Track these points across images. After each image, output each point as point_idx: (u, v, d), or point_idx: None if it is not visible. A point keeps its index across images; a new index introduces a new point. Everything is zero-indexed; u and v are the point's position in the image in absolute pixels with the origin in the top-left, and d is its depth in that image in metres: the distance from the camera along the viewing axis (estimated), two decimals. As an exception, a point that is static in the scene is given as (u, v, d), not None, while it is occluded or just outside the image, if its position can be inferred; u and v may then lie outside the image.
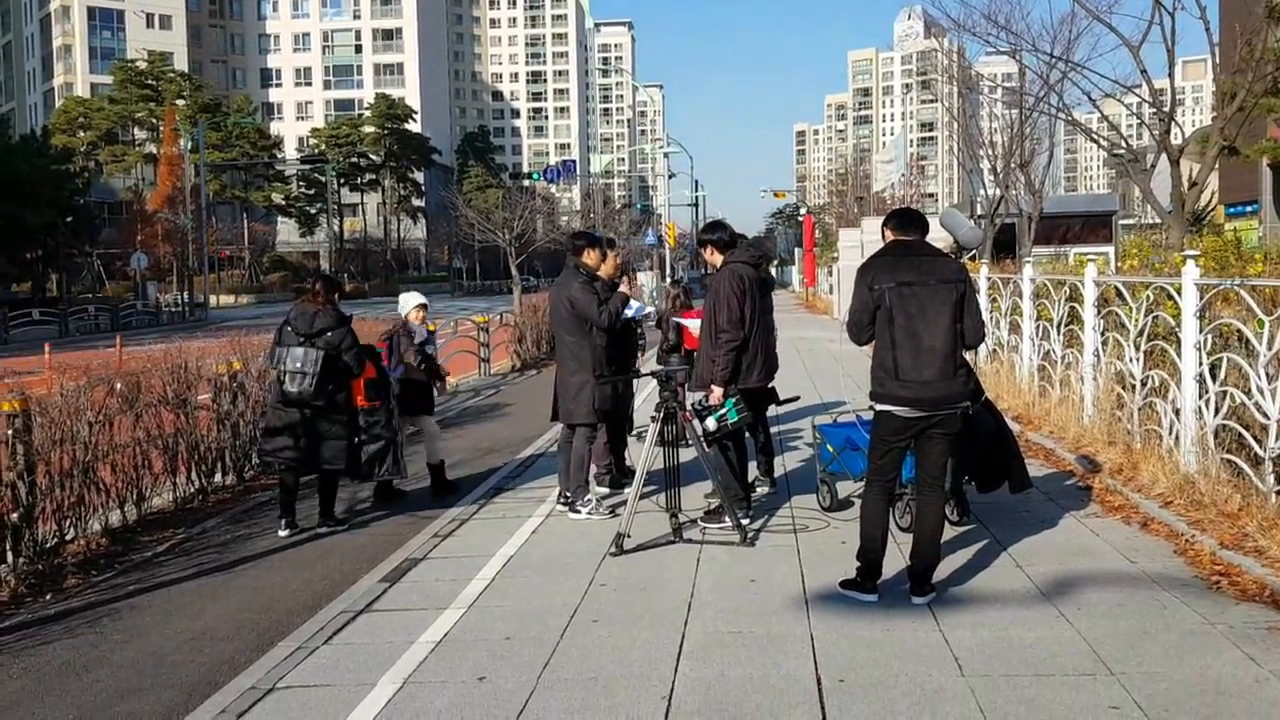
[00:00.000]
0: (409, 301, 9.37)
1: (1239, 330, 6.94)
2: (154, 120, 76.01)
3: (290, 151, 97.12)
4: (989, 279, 13.76)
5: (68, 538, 7.36)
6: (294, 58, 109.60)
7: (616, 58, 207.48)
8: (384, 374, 8.31)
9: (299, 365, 7.50)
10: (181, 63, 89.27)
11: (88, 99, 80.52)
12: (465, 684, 4.72)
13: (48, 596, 6.56)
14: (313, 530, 7.88)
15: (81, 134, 75.87)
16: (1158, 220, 22.30)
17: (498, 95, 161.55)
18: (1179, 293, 7.50)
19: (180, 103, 76.18)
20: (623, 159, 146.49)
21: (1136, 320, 8.38)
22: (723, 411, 6.91)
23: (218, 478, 9.50)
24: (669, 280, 16.25)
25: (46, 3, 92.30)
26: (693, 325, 8.92)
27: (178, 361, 9.30)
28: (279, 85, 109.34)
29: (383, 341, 9.01)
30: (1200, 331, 7.24)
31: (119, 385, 8.49)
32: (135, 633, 5.90)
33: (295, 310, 7.79)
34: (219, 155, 75.79)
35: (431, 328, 9.98)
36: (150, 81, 78.44)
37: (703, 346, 7.35)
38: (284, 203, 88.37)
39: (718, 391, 6.94)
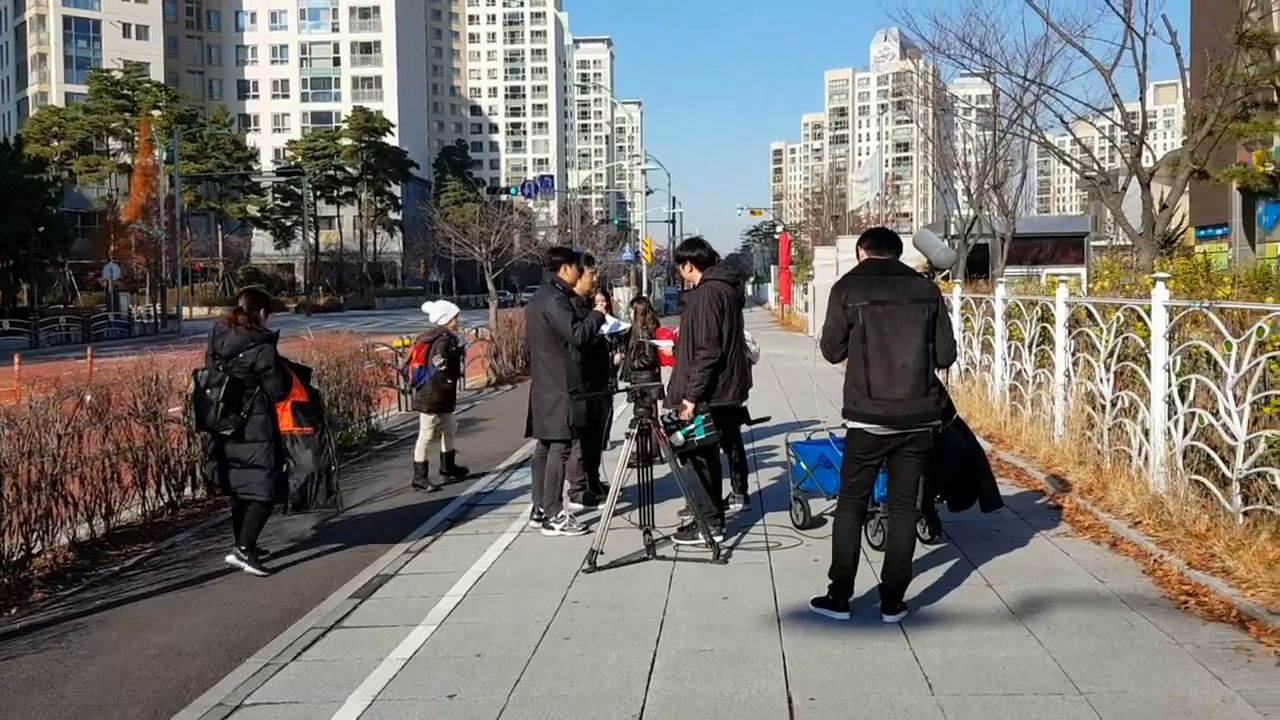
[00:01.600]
0: (448, 311, 10.46)
1: (1207, 352, 7.02)
2: (129, 130, 75.52)
3: (266, 163, 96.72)
4: (962, 299, 13.86)
5: (34, 551, 7.26)
6: (271, 69, 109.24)
7: (595, 74, 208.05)
8: (316, 397, 7.60)
9: (206, 389, 7.03)
10: (158, 73, 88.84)
11: (62, 108, 79.96)
12: (435, 702, 4.69)
13: (13, 611, 6.47)
14: (267, 553, 7.64)
15: (55, 143, 75.29)
16: (1129, 242, 22.56)
17: (476, 110, 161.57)
18: (1149, 314, 7.59)
19: (156, 113, 75.79)
20: (600, 175, 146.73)
21: (1107, 341, 8.47)
22: (691, 428, 6.93)
23: (187, 491, 9.41)
24: (633, 297, 16.30)
25: (21, 11, 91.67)
26: (664, 345, 8.93)
27: (148, 374, 9.22)
28: (256, 97, 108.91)
29: (425, 344, 10.19)
30: (1169, 353, 7.32)
31: (88, 397, 8.42)
32: (102, 648, 5.83)
33: (213, 329, 7.41)
34: (194, 166, 75.40)
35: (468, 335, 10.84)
36: (126, 91, 77.97)
37: (680, 362, 7.37)
38: (259, 215, 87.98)
39: (689, 407, 6.95)
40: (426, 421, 10.27)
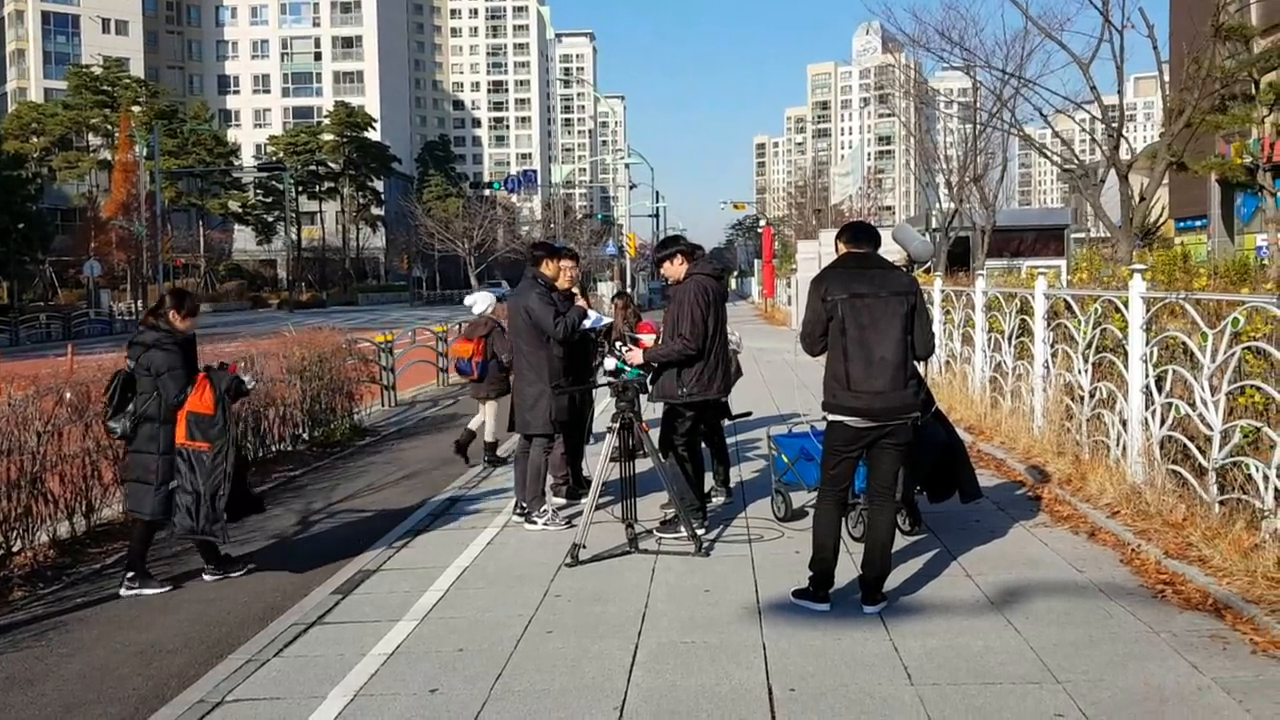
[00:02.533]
0: (491, 300, 10.97)
1: (1184, 343, 7.07)
2: (109, 126, 74.93)
3: (248, 159, 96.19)
4: (943, 291, 13.92)
5: (14, 550, 7.23)
6: (252, 64, 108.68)
7: (578, 68, 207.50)
8: (223, 413, 6.64)
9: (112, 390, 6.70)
10: (138, 68, 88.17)
11: (41, 104, 79.29)
12: (416, 696, 4.70)
13: (-8, 610, 6.45)
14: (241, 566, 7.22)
15: (35, 139, 74.64)
16: (1109, 234, 22.72)
17: (459, 104, 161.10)
18: (1126, 306, 7.64)
19: (136, 109, 75.19)
20: (584, 169, 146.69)
21: (1085, 333, 8.52)
22: (625, 369, 6.98)
23: (169, 488, 9.36)
24: (613, 294, 16.45)
25: (0, 7, 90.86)
26: (647, 340, 8.93)
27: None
28: (237, 92, 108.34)
29: (481, 339, 10.46)
30: (1146, 344, 7.38)
31: (68, 395, 8.37)
32: (82, 646, 5.82)
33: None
34: (175, 162, 74.91)
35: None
36: (105, 87, 77.33)
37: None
38: (241, 210, 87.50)
39: (637, 356, 7.00)
40: (491, 408, 10.81)
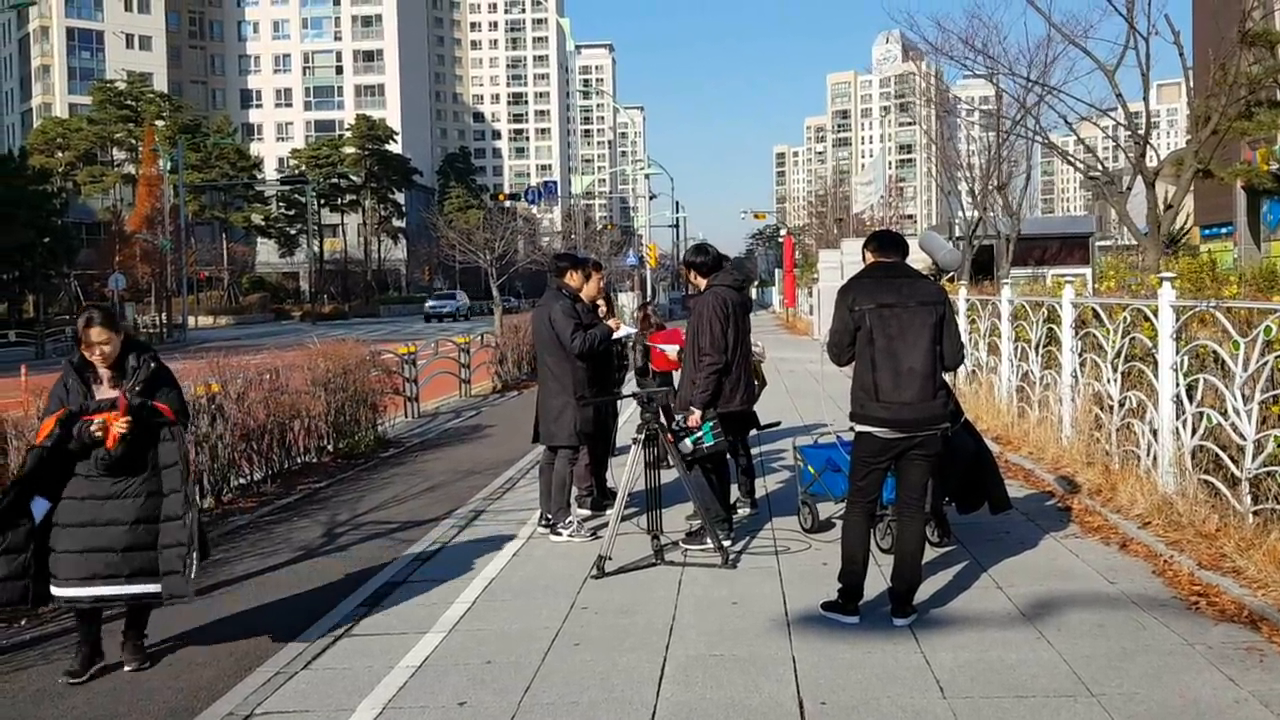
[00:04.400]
0: None
1: (1215, 351, 7.00)
2: (133, 141, 75.63)
3: (270, 172, 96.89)
4: (968, 300, 13.84)
5: (43, 562, 7.25)
6: (274, 79, 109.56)
7: (597, 79, 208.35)
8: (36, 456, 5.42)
9: None
10: (161, 83, 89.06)
11: (66, 119, 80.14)
12: (445, 709, 4.69)
13: (22, 622, 6.46)
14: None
15: (60, 154, 75.42)
16: (1134, 242, 22.54)
17: (479, 116, 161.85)
18: (1155, 314, 7.57)
19: (159, 123, 75.86)
20: (604, 180, 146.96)
21: (1114, 342, 8.45)
22: (699, 434, 6.91)
23: (196, 501, 9.39)
24: (636, 305, 16.57)
25: (25, 23, 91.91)
26: (670, 349, 8.93)
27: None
28: (259, 106, 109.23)
29: None
30: (1177, 353, 7.30)
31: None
32: (111, 658, 5.82)
33: None
34: (198, 176, 75.51)
35: None
36: (129, 102, 78.15)
37: (685, 369, 7.37)
38: (264, 223, 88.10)
39: (696, 414, 6.94)
40: None
